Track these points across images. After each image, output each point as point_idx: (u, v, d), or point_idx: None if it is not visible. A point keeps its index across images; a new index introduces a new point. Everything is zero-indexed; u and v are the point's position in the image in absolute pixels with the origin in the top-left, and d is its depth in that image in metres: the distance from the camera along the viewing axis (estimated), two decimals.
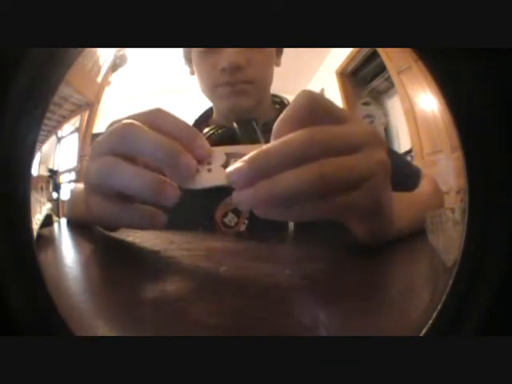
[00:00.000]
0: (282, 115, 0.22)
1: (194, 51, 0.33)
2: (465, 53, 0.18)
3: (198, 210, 0.31)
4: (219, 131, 0.32)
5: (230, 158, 0.22)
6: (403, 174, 0.23)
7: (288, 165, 0.20)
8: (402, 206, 0.25)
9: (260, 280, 0.22)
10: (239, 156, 0.21)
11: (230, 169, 0.20)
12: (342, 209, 0.22)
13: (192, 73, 0.33)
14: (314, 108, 0.21)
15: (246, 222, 0.32)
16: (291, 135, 0.20)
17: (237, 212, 0.31)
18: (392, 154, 0.26)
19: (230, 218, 0.32)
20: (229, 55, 0.30)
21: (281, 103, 0.34)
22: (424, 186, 0.28)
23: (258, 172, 0.20)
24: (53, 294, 0.18)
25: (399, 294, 0.22)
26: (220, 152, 0.22)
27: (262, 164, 0.20)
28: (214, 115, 0.34)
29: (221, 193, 0.22)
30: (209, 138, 0.31)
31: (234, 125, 0.31)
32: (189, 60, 0.33)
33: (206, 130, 0.32)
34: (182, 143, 0.22)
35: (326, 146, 0.21)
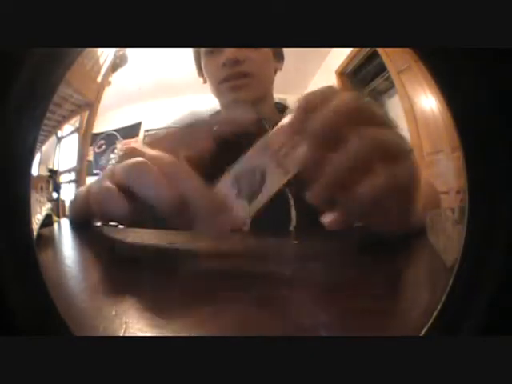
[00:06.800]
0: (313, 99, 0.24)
1: (203, 56, 0.34)
2: (465, 53, 0.18)
3: None
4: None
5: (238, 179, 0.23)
6: None
7: None
8: None
9: (260, 280, 0.22)
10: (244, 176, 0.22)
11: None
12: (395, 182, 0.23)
13: (205, 81, 0.34)
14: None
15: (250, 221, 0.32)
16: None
17: None
18: None
19: None
20: (229, 51, 0.33)
21: (282, 110, 0.34)
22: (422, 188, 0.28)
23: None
24: (53, 294, 0.18)
25: (399, 294, 0.22)
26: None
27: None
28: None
29: None
30: (220, 135, 0.32)
31: None
32: (200, 69, 0.34)
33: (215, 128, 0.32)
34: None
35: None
